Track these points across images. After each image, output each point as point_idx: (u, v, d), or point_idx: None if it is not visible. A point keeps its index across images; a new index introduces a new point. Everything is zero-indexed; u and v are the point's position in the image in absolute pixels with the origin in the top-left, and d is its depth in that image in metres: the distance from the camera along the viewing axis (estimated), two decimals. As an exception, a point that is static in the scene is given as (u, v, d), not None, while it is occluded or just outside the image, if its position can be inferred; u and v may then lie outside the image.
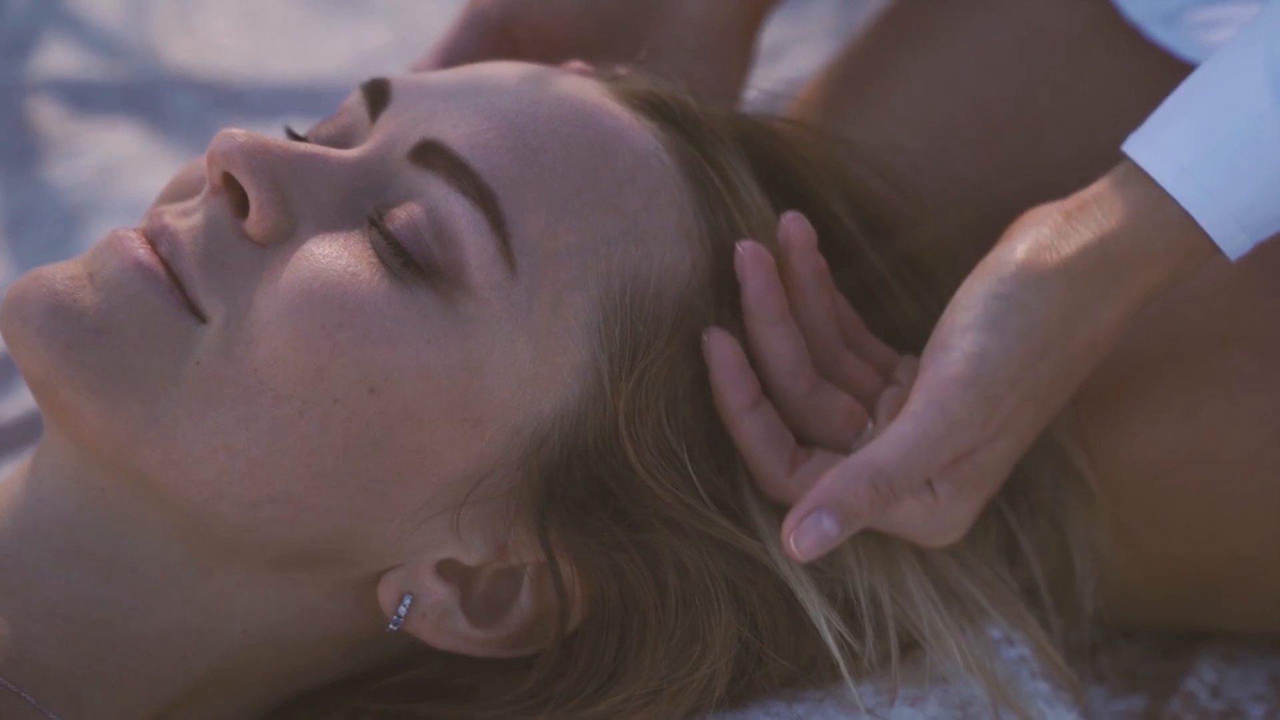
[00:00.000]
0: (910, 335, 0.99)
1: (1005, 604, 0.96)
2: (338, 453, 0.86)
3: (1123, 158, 0.92)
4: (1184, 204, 0.88)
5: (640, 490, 0.89)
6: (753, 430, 0.90)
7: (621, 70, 0.98)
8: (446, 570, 0.90)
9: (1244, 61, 0.89)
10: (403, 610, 0.90)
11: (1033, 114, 1.15)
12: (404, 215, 0.88)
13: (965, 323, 0.88)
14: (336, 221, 0.89)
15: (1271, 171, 0.88)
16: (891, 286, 1.00)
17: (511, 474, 0.89)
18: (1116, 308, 0.90)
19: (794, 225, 0.93)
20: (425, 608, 0.90)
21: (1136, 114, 0.93)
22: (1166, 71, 1.12)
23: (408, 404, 0.87)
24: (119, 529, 0.89)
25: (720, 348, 0.91)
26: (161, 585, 0.89)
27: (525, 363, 0.88)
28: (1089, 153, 1.14)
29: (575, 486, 0.89)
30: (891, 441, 0.87)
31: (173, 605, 0.89)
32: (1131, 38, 1.13)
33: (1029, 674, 0.98)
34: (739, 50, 1.12)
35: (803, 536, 0.86)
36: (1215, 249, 0.89)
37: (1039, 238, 0.90)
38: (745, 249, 0.91)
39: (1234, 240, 0.89)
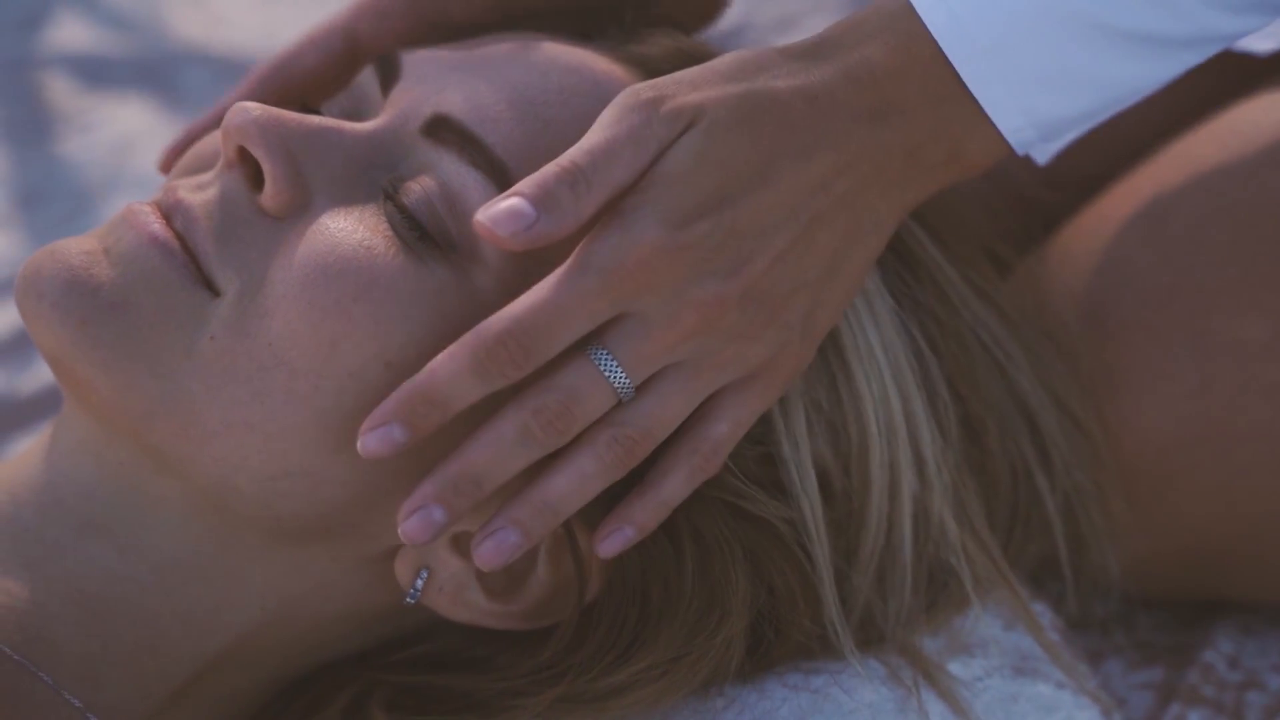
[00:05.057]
0: None
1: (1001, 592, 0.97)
2: (353, 427, 0.86)
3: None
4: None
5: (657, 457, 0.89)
6: None
7: (634, 37, 0.98)
8: (462, 543, 0.90)
9: None
10: (419, 584, 0.90)
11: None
12: (418, 189, 0.88)
13: None
14: (351, 195, 0.89)
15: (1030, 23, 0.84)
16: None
17: (527, 446, 0.89)
18: (828, 64, 0.86)
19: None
20: (442, 581, 0.90)
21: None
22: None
23: (423, 377, 0.87)
24: (137, 503, 0.89)
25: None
26: (179, 561, 0.89)
27: (540, 335, 0.88)
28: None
29: (592, 457, 0.89)
30: None
31: (190, 582, 0.89)
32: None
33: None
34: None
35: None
36: (934, 43, 0.85)
37: None
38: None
39: (969, 60, 0.85)
